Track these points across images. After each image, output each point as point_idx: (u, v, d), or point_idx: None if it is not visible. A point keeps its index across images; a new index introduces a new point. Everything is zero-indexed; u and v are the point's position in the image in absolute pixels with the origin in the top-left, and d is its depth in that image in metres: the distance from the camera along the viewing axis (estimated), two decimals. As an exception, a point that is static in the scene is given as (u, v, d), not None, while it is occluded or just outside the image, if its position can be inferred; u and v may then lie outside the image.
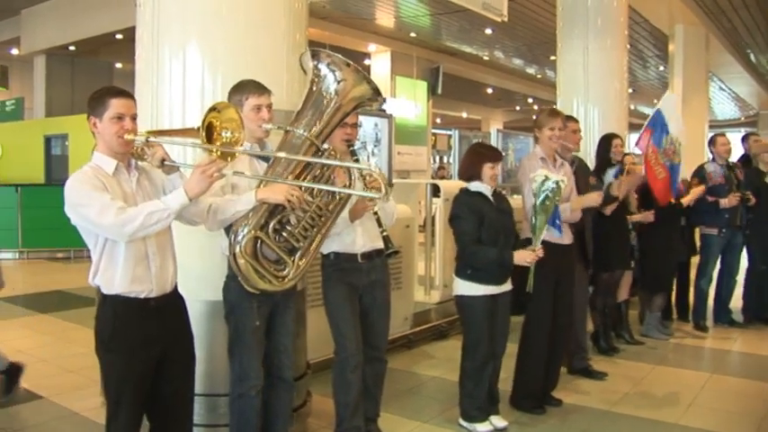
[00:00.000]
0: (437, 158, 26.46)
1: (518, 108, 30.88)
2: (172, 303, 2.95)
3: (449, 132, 22.23)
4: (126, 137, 2.72)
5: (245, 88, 3.32)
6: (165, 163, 2.81)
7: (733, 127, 29.07)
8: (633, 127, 9.81)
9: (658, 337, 6.55)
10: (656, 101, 13.55)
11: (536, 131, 4.67)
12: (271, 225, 3.14)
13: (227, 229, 3.17)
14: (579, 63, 8.36)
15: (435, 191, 7.19)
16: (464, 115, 30.40)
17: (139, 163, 2.87)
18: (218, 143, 2.71)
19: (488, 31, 15.65)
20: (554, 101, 8.87)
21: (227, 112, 2.76)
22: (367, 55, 17.16)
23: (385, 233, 3.63)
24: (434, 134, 22.92)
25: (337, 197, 3.35)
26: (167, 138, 2.98)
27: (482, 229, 3.99)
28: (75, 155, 13.42)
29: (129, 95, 2.80)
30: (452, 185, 7.11)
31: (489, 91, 25.11)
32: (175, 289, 2.97)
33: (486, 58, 19.61)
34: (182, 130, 3.34)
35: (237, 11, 3.79)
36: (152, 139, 2.79)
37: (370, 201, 3.54)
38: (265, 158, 3.34)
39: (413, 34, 16.14)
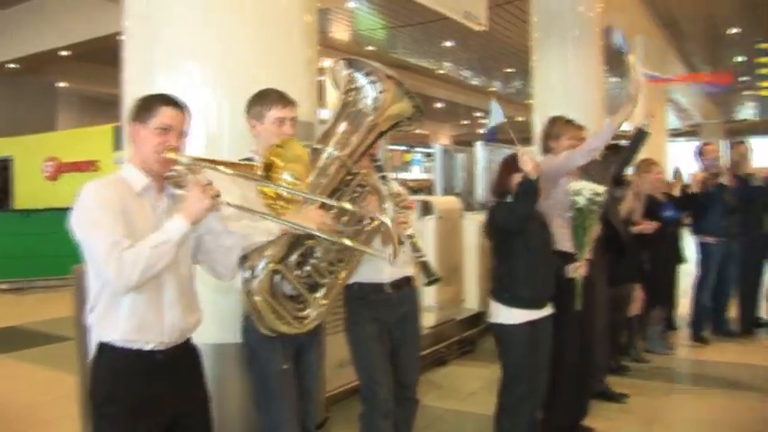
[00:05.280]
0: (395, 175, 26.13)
1: (465, 122, 30.95)
2: (185, 356, 2.46)
3: (401, 148, 21.99)
4: (166, 154, 2.27)
5: (267, 98, 2.90)
6: (219, 199, 2.28)
7: (675, 137, 29.56)
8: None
9: (661, 351, 6.35)
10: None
11: (550, 142, 4.34)
12: (294, 257, 2.73)
13: (240, 261, 2.69)
14: (556, 74, 8.20)
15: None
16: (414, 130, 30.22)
17: (177, 191, 2.36)
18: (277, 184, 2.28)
19: (448, 44, 15.51)
20: (509, 114, 8.70)
21: (292, 147, 2.33)
22: (321, 70, 16.80)
23: (424, 258, 3.26)
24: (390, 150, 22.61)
25: (368, 226, 2.97)
26: (221, 168, 2.33)
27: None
28: (22, 179, 12.72)
29: (182, 107, 2.37)
30: (446, 202, 6.84)
31: (438, 105, 25.05)
32: (189, 339, 2.49)
33: (441, 71, 19.53)
34: (234, 163, 2.51)
35: (243, 17, 3.43)
36: (199, 165, 2.29)
37: (405, 222, 3.19)
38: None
39: (370, 48, 15.91)
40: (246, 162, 2.49)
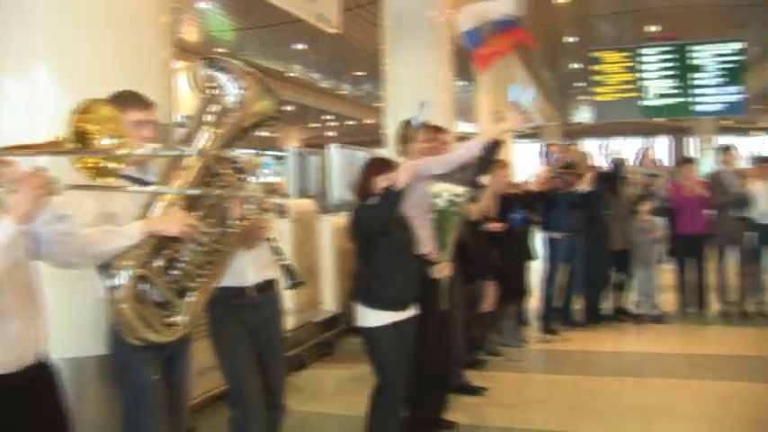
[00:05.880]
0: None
1: (314, 125, 30.94)
2: (39, 379, 2.15)
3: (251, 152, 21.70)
4: None
5: (125, 101, 2.73)
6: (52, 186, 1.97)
7: (519, 138, 30.86)
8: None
9: (514, 344, 6.60)
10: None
11: (405, 144, 4.40)
12: (160, 261, 2.60)
13: (102, 268, 2.55)
14: (407, 77, 8.32)
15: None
16: (262, 134, 29.94)
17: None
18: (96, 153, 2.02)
19: (299, 47, 15.45)
20: (353, 116, 8.82)
21: (97, 108, 2.05)
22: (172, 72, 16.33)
23: (287, 261, 3.21)
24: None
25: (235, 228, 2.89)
26: (27, 152, 2.03)
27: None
28: None
29: None
30: (301, 205, 6.79)
31: (289, 108, 24.89)
32: (42, 356, 2.19)
33: (291, 74, 19.43)
34: (42, 144, 2.14)
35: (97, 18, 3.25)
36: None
37: (264, 225, 3.13)
38: (146, 184, 2.81)
39: (219, 50, 15.58)
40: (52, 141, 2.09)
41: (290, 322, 6.62)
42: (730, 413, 4.81)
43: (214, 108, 2.82)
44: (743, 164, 8.49)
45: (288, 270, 3.20)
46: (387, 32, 8.62)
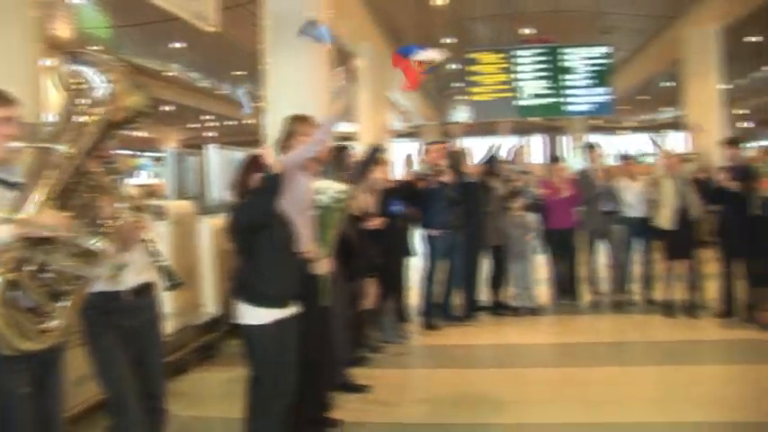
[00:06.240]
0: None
1: (193, 125, 30.35)
2: None
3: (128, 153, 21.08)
4: None
5: None
6: None
7: (398, 138, 31.27)
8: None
9: (396, 341, 6.69)
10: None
11: (289, 140, 4.38)
12: (31, 265, 2.50)
13: None
14: (287, 76, 8.30)
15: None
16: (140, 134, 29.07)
17: None
18: None
19: (177, 45, 15.09)
20: (233, 116, 8.74)
21: None
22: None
23: (165, 263, 3.14)
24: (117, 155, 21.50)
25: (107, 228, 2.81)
26: None
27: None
28: None
29: None
30: (180, 206, 6.64)
31: (167, 108, 24.30)
32: None
33: (170, 74, 18.96)
34: None
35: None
36: None
37: (141, 226, 3.06)
38: (11, 185, 2.69)
39: (94, 48, 15.03)
40: None
41: (169, 326, 6.43)
42: (602, 397, 5.06)
43: (83, 102, 2.72)
44: (610, 161, 8.90)
45: (166, 271, 3.13)
46: (267, 32, 8.56)
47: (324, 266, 3.97)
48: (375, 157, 5.49)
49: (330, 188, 3.83)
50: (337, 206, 3.83)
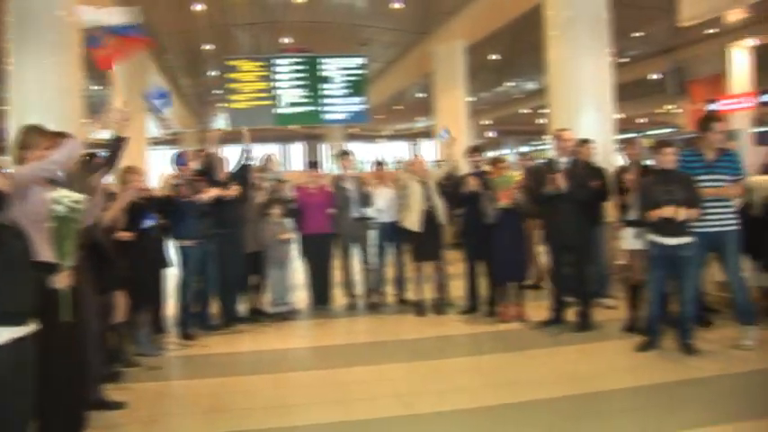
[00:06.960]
0: None
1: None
2: None
3: None
4: None
5: None
6: None
7: (156, 145, 30.31)
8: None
9: (152, 353, 6.53)
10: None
11: (24, 152, 4.11)
12: None
13: None
14: (33, 78, 7.83)
15: None
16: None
17: None
18: None
19: None
20: None
21: None
22: None
23: None
24: None
25: None
26: None
27: None
28: None
29: None
30: None
31: None
32: None
33: None
34: None
35: None
36: None
37: None
38: None
39: None
40: None
41: None
42: (356, 395, 5.31)
43: None
44: (365, 167, 9.30)
45: None
46: (10, 29, 7.99)
47: (64, 280, 3.78)
48: (120, 145, 5.25)
49: (67, 197, 3.66)
50: (74, 216, 3.67)
